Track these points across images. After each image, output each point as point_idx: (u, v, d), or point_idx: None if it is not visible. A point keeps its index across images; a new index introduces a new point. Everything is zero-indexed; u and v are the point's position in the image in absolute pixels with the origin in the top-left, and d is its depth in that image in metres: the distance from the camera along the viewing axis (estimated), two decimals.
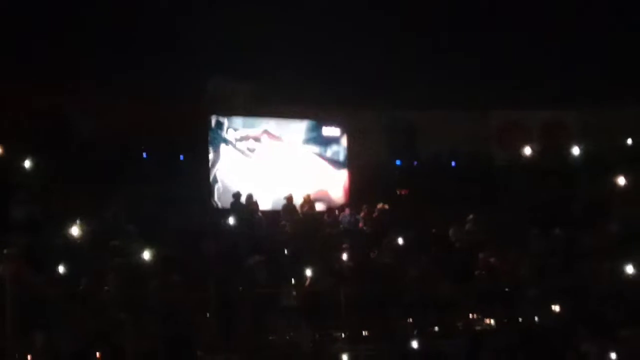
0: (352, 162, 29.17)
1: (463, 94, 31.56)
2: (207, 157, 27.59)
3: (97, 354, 20.24)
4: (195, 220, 25.39)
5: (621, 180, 29.13)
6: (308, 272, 23.89)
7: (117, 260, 22.52)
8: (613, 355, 22.86)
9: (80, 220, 23.10)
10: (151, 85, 27.73)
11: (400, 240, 26.07)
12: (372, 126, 30.34)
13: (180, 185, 26.22)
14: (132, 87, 27.50)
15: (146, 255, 22.88)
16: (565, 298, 24.69)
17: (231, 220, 25.44)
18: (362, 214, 27.48)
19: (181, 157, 27.84)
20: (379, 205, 27.46)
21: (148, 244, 23.54)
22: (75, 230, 22.73)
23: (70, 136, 27.02)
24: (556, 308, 24.50)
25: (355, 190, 28.89)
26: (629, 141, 31.12)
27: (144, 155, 27.81)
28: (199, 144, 27.53)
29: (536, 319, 24.40)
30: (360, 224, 27.25)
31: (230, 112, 28.29)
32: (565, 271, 25.73)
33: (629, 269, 25.53)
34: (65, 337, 20.23)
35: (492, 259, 25.78)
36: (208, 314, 22.59)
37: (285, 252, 25.04)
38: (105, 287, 21.68)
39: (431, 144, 30.91)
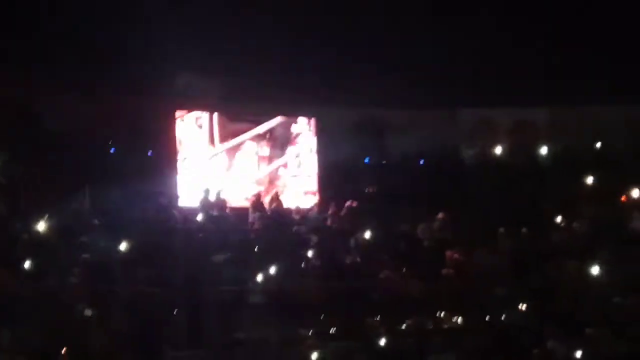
0: (320, 159, 29.03)
1: (432, 93, 31.55)
2: (176, 153, 27.36)
3: (63, 350, 20.01)
4: (163, 216, 25.18)
5: (590, 180, 29.31)
6: (276, 270, 23.76)
7: (84, 256, 22.30)
8: (580, 353, 22.94)
9: (47, 215, 22.88)
10: (119, 80, 27.47)
11: (368, 238, 26.03)
12: (341, 124, 30.22)
13: (148, 181, 26.01)
14: (100, 82, 27.22)
15: (113, 251, 22.73)
16: (534, 297, 24.78)
17: (199, 217, 25.24)
18: (330, 212, 27.37)
19: (149, 152, 27.59)
20: (348, 203, 27.37)
21: (115, 239, 23.39)
22: (41, 226, 22.50)
23: (37, 130, 26.71)
24: (524, 307, 24.52)
25: (323, 187, 28.78)
26: (598, 142, 31.25)
27: (112, 150, 27.55)
28: (168, 139, 27.31)
29: (504, 317, 24.38)
30: (329, 222, 27.11)
31: (198, 107, 28.08)
32: (533, 270, 25.82)
33: (597, 269, 25.69)
34: (31, 333, 20.01)
35: (460, 258, 25.79)
36: (175, 311, 22.41)
37: (253, 249, 24.84)
38: (72, 283, 21.42)
39: (400, 142, 30.87)
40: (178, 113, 27.75)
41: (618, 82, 30.62)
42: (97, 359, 18.53)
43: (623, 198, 29.27)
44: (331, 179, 28.93)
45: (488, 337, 23.76)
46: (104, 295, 21.34)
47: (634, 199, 29.04)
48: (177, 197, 26.98)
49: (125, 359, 20.41)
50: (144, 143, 27.52)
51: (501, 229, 26.93)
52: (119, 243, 23.04)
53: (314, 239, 25.89)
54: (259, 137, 28.72)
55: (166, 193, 26.54)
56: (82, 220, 23.87)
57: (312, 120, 29.35)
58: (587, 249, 26.70)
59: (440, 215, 27.10)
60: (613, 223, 28.37)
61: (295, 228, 26.63)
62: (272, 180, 28.57)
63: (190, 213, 25.79)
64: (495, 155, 31.15)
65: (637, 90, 31.27)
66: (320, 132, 29.30)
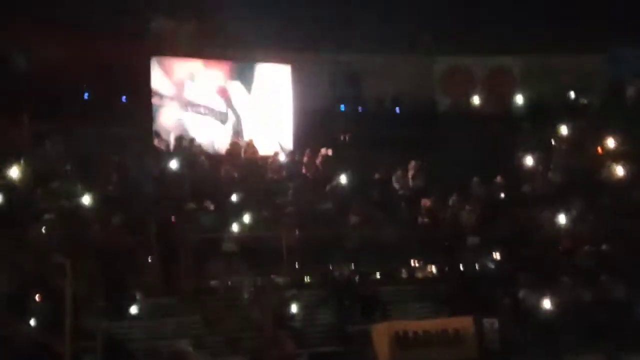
0: (296, 106, 28.93)
1: (408, 40, 31.48)
2: (150, 99, 27.19)
3: (37, 296, 20.02)
4: (137, 162, 25.09)
5: (563, 129, 29.39)
6: (250, 217, 23.76)
7: (57, 202, 22.23)
8: (550, 301, 23.15)
9: (20, 160, 22.77)
10: (94, 25, 27.21)
11: (343, 186, 26.05)
12: (317, 71, 30.09)
13: (122, 127, 25.88)
14: (74, 27, 26.93)
15: (87, 197, 22.67)
16: (506, 246, 24.93)
17: (174, 164, 25.17)
18: (305, 159, 27.34)
19: (123, 98, 27.41)
20: (323, 151, 27.35)
21: (89, 186, 23.33)
22: (14, 171, 22.39)
23: (10, 74, 26.46)
24: (497, 255, 24.67)
25: (298, 135, 28.72)
26: (572, 91, 31.31)
27: (85, 95, 27.36)
28: (142, 85, 27.13)
29: (477, 266, 24.52)
30: (303, 169, 27.09)
31: (173, 53, 27.87)
32: (506, 219, 25.97)
33: (568, 217, 25.86)
34: (4, 279, 19.99)
35: (434, 206, 25.87)
36: (149, 258, 22.42)
37: (228, 196, 24.80)
38: (45, 229, 21.36)
39: (376, 90, 30.82)
40: (153, 58, 27.47)
41: (593, 31, 30.68)
42: (71, 305, 18.49)
43: (599, 149, 29.41)
44: (306, 126, 28.82)
45: (461, 286, 23.89)
46: (77, 242, 21.25)
47: (608, 149, 29.17)
48: (151, 143, 26.81)
49: (98, 306, 20.37)
50: (119, 88, 27.32)
51: (475, 178, 27.01)
52: (93, 189, 22.98)
53: (289, 186, 25.87)
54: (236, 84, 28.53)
55: (140, 138, 26.36)
56: (55, 166, 23.69)
57: (288, 67, 29.12)
58: (560, 197, 26.85)
59: (413, 163, 27.10)
60: (586, 172, 28.57)
61: (269, 175, 26.56)
62: (248, 127, 28.44)
63: (165, 159, 25.63)
64: (470, 103, 31.18)
65: (612, 40, 31.41)
66: (296, 80, 29.09)
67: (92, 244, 21.64)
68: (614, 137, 29.26)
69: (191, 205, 23.53)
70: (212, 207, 23.97)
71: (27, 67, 26.92)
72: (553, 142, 29.33)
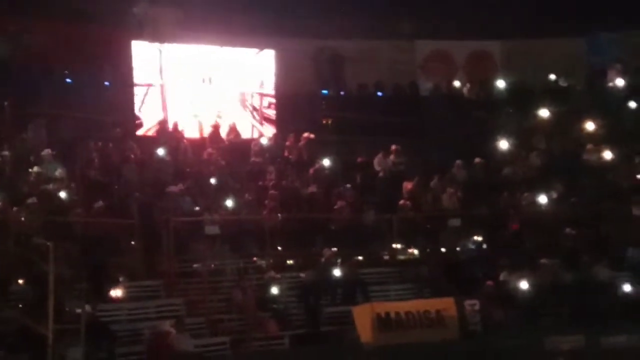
0: (279, 90, 28.95)
1: (390, 25, 31.54)
2: (132, 84, 27.17)
3: (20, 281, 20.04)
4: (119, 146, 25.11)
5: (544, 112, 29.51)
6: (233, 200, 23.82)
7: (40, 186, 22.24)
8: (531, 283, 23.29)
9: (2, 145, 22.77)
10: (76, 10, 27.18)
11: (325, 169, 26.12)
12: (300, 55, 30.13)
13: (104, 112, 25.90)
14: (57, 12, 26.91)
15: (69, 181, 22.68)
16: (487, 228, 25.05)
17: (156, 148, 25.18)
18: (288, 143, 27.40)
19: (106, 83, 27.40)
20: (305, 134, 27.41)
21: (71, 170, 23.36)
22: None
23: None
24: (478, 238, 24.79)
25: (281, 118, 28.76)
26: (553, 75, 31.42)
27: (68, 80, 27.34)
28: (125, 70, 27.10)
29: (458, 248, 24.64)
30: (286, 153, 27.16)
31: (157, 38, 27.84)
32: (487, 201, 26.09)
33: (549, 199, 25.99)
34: None
35: (416, 189, 25.96)
36: (132, 241, 22.46)
37: (210, 180, 24.86)
38: (27, 213, 21.37)
39: (358, 74, 30.88)
40: (135, 42, 27.44)
41: (574, 15, 30.82)
42: (53, 288, 18.51)
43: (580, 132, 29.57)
44: (289, 110, 28.85)
45: (442, 268, 23.99)
46: (59, 225, 21.27)
47: (587, 132, 29.32)
48: (133, 128, 26.81)
49: (81, 289, 20.38)
50: (101, 73, 27.29)
51: (458, 161, 27.12)
52: (74, 173, 22.99)
53: (272, 170, 25.92)
54: (218, 68, 28.53)
55: (122, 123, 26.36)
56: (38, 150, 23.69)
57: (271, 52, 29.12)
58: (541, 180, 26.98)
59: (394, 147, 27.20)
60: (567, 155, 28.71)
61: (252, 159, 26.61)
62: (230, 111, 28.43)
63: (148, 144, 25.66)
64: (451, 87, 31.27)
65: (593, 24, 31.53)
66: (279, 64, 29.09)
67: (74, 228, 21.66)
68: (594, 120, 29.42)
69: (173, 189, 23.54)
70: (194, 190, 23.97)
71: (9, 53, 26.91)
72: (534, 126, 29.45)
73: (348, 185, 25.71)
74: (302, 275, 23.13)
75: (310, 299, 22.61)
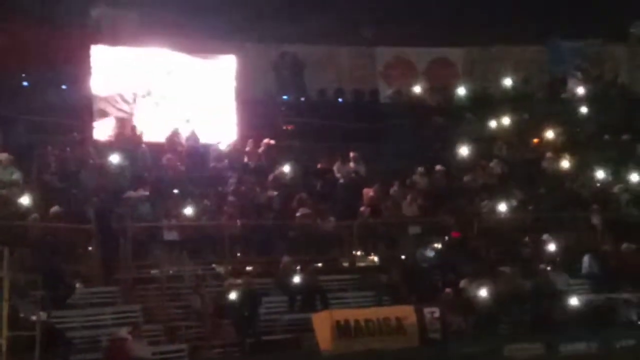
0: (239, 96, 28.79)
1: (351, 31, 31.53)
2: (90, 87, 26.90)
3: None
4: (76, 151, 24.83)
5: (504, 120, 29.61)
6: (192, 206, 23.65)
7: None
8: (490, 291, 23.31)
9: None
10: (34, 12, 26.89)
11: (285, 176, 26.01)
12: (260, 60, 30.01)
13: (62, 116, 25.62)
14: (14, 14, 26.59)
15: (25, 185, 22.40)
16: (447, 235, 25.04)
17: (114, 153, 24.93)
18: (247, 149, 27.24)
19: (63, 86, 27.10)
20: (265, 140, 27.28)
21: (27, 174, 23.07)
22: None
23: None
24: (438, 245, 24.77)
25: (242, 124, 28.59)
26: (509, 80, 31.52)
27: (25, 83, 27.03)
28: (82, 73, 26.84)
29: (418, 255, 24.60)
30: (246, 159, 27.00)
31: (116, 41, 27.60)
32: (447, 208, 26.09)
33: (508, 207, 26.05)
34: None
35: (376, 196, 25.91)
36: (89, 247, 22.22)
37: (169, 185, 24.64)
38: None
39: (319, 80, 30.80)
40: (94, 46, 27.18)
41: (535, 24, 31.00)
42: (8, 294, 18.23)
43: (536, 140, 29.68)
44: (249, 116, 28.70)
45: (402, 275, 23.94)
46: (15, 231, 21.00)
47: (546, 140, 29.45)
48: (91, 132, 26.53)
49: (37, 295, 20.10)
50: (59, 76, 27.01)
51: (420, 168, 27.09)
52: (31, 178, 22.71)
53: (231, 175, 25.76)
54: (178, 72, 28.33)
55: (80, 127, 26.08)
56: None
57: (232, 57, 28.95)
58: (500, 188, 27.04)
59: (352, 153, 27.12)
60: (527, 163, 28.84)
61: (212, 165, 26.43)
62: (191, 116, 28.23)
63: (105, 148, 25.40)
64: (412, 93, 31.28)
65: (553, 32, 31.74)
66: (240, 69, 28.93)
67: (30, 233, 21.38)
68: (554, 128, 29.57)
69: (131, 194, 23.32)
70: (153, 195, 23.77)
71: None
72: (494, 133, 29.53)
73: (308, 192, 25.60)
74: (262, 281, 23.03)
75: (270, 305, 22.47)
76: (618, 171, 28.51)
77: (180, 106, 28.12)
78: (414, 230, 25.05)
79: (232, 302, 21.51)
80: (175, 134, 27.06)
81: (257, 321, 21.69)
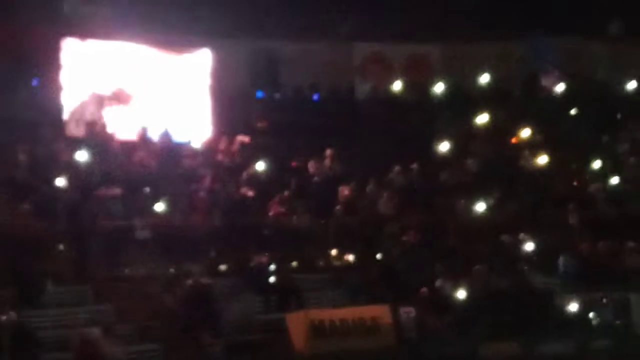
0: (213, 92, 28.52)
1: (327, 26, 31.31)
2: (61, 82, 26.54)
3: None
4: (46, 148, 24.51)
5: (482, 118, 29.50)
6: (164, 205, 23.37)
7: None
8: (466, 290, 23.22)
9: None
10: (3, 5, 26.49)
11: (260, 173, 25.78)
12: (234, 56, 29.74)
13: (31, 111, 25.26)
14: None
15: None
16: (423, 234, 24.92)
17: (84, 150, 24.60)
18: (221, 146, 26.98)
19: (33, 81, 26.73)
20: (239, 137, 27.03)
21: None
22: None
23: None
24: (414, 244, 24.64)
25: (216, 121, 28.33)
26: (486, 77, 31.39)
27: None
28: (52, 68, 26.47)
29: (394, 254, 24.43)
30: (219, 156, 26.74)
31: (86, 35, 27.24)
32: (423, 207, 26.00)
33: (484, 206, 25.99)
34: None
35: (351, 194, 25.75)
36: (59, 245, 21.96)
37: (142, 183, 24.35)
38: None
39: (294, 77, 30.54)
40: (65, 40, 26.83)
41: (513, 20, 30.92)
42: None
43: (514, 139, 29.62)
44: (223, 112, 28.45)
45: (378, 275, 23.82)
46: None
47: (523, 138, 29.39)
48: (62, 128, 26.17)
49: (5, 294, 19.88)
50: (29, 71, 26.63)
51: (397, 166, 26.95)
52: (1, 174, 22.45)
53: (205, 173, 25.51)
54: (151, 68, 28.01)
55: (51, 124, 25.74)
56: None
57: (207, 52, 28.66)
58: (477, 186, 26.96)
59: (328, 151, 26.92)
60: (504, 161, 28.77)
61: (185, 162, 26.15)
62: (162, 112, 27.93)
63: (76, 145, 25.05)
64: (388, 90, 31.11)
65: (531, 29, 31.65)
66: (214, 65, 28.65)
67: None
68: (531, 126, 29.52)
69: (103, 192, 23.05)
70: (125, 194, 23.51)
71: None
72: (471, 131, 29.42)
73: (282, 190, 25.41)
74: (235, 281, 22.86)
75: (244, 305, 22.28)
76: (595, 169, 28.46)
77: (153, 103, 27.77)
78: (390, 228, 24.94)
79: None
80: (146, 132, 26.71)
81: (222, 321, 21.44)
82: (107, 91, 27.14)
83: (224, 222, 23.85)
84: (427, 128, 29.09)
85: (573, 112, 30.64)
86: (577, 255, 25.46)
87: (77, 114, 26.59)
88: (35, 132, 24.90)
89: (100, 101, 26.96)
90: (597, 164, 28.46)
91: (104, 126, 26.12)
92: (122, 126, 26.94)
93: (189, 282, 21.53)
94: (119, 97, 27.10)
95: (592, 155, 28.88)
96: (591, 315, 24.07)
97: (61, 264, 21.82)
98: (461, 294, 23.16)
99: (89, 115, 26.53)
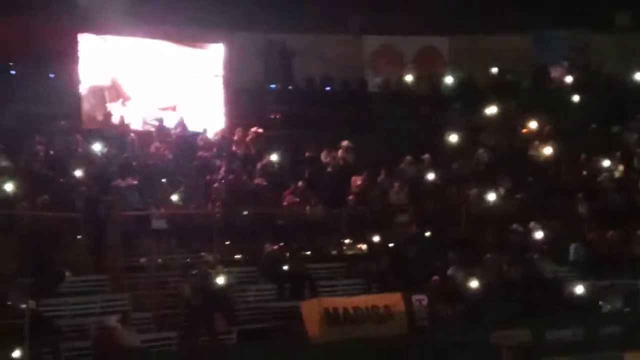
0: (227, 84, 28.75)
1: (338, 19, 31.52)
2: (77, 75, 26.82)
3: None
4: (64, 139, 24.78)
5: (492, 109, 29.67)
6: (180, 195, 23.63)
7: None
8: (478, 279, 23.41)
9: None
10: (22, 1, 26.80)
11: (273, 164, 26.01)
12: (248, 49, 29.99)
13: (49, 104, 25.55)
14: (0, 2, 26.49)
15: (13, 174, 22.37)
16: (435, 223, 25.09)
17: (102, 141, 24.89)
18: (235, 137, 27.22)
19: (50, 75, 27.01)
20: (253, 129, 27.25)
21: (15, 163, 23.03)
22: None
23: None
24: (426, 233, 24.80)
25: (230, 113, 28.56)
26: (500, 71, 31.59)
27: (12, 72, 26.95)
28: (69, 62, 26.74)
29: (406, 243, 24.62)
30: (234, 147, 26.99)
31: (103, 30, 27.51)
32: (435, 197, 26.16)
33: (496, 195, 26.13)
34: None
35: (364, 184, 25.93)
36: (77, 236, 22.19)
37: (158, 173, 24.61)
38: None
39: (306, 69, 30.79)
40: (81, 34, 27.10)
41: (521, 13, 31.04)
42: None
43: (523, 130, 29.77)
44: (237, 104, 28.68)
45: (390, 263, 23.99)
46: (3, 220, 20.98)
47: (533, 129, 29.54)
48: (79, 120, 26.47)
49: (25, 283, 20.10)
50: (46, 64, 26.91)
51: (408, 157, 27.13)
52: (19, 167, 22.68)
53: (219, 164, 25.75)
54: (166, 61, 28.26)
55: (68, 116, 26.02)
56: None
57: (220, 45, 28.90)
58: (488, 176, 27.12)
59: (345, 142, 27.13)
60: (514, 151, 28.94)
61: (200, 153, 26.40)
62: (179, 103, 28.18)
63: (93, 137, 25.33)
64: (399, 82, 31.31)
65: (539, 21, 31.80)
66: (228, 58, 28.88)
67: (18, 221, 21.34)
68: (540, 117, 29.67)
69: (120, 183, 23.30)
70: (141, 184, 23.75)
71: None
72: (482, 122, 29.59)
73: (296, 180, 25.63)
74: (250, 270, 23.12)
75: (258, 293, 22.53)
76: (604, 159, 28.60)
77: (168, 94, 28.04)
78: (401, 218, 25.12)
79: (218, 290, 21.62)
80: (162, 123, 27.01)
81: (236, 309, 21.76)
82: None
83: (239, 211, 24.02)
84: (438, 119, 29.30)
85: (581, 102, 30.71)
86: (586, 244, 25.61)
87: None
88: (53, 124, 25.14)
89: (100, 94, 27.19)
90: (605, 154, 28.51)
91: (121, 118, 26.36)
92: (137, 117, 27.24)
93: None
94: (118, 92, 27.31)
95: (600, 145, 28.98)
96: (600, 302, 24.26)
97: (79, 254, 21.96)
98: (473, 282, 23.30)
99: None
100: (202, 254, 22.93)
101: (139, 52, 27.72)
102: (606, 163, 28.32)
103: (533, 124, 29.55)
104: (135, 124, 27.00)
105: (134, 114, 27.26)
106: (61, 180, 23.37)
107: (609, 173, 28.01)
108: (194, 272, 22.00)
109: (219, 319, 21.38)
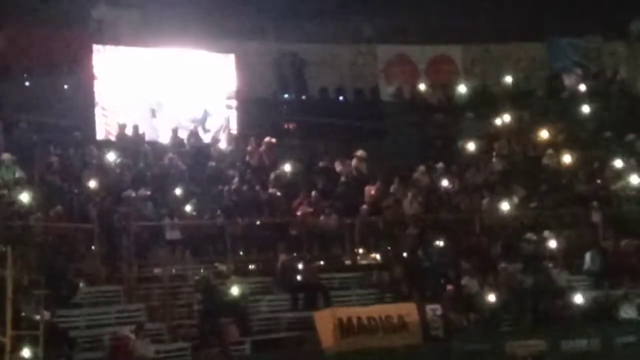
0: (240, 95, 28.81)
1: (351, 29, 31.58)
2: (92, 86, 26.92)
3: None
4: (78, 151, 24.88)
5: (505, 117, 29.65)
6: (194, 205, 23.67)
7: None
8: (492, 288, 23.37)
9: None
10: (35, 12, 26.93)
11: (287, 174, 26.04)
12: (261, 59, 30.05)
13: (64, 116, 25.65)
14: (15, 14, 26.63)
15: (28, 185, 22.45)
16: (449, 233, 25.07)
17: (116, 152, 24.97)
18: (249, 148, 27.26)
19: (65, 86, 27.13)
20: (266, 139, 27.28)
21: (30, 174, 23.12)
22: None
23: None
24: (439, 242, 24.79)
25: (243, 123, 28.62)
26: (509, 78, 31.55)
27: (27, 83, 27.08)
28: (84, 73, 26.86)
29: (420, 253, 24.61)
30: (247, 157, 27.03)
31: (116, 41, 27.62)
32: (449, 206, 26.14)
33: (509, 204, 26.08)
34: None
35: (378, 194, 25.92)
36: (92, 246, 22.26)
37: (172, 184, 24.66)
38: None
39: (320, 79, 30.84)
40: (95, 46, 27.22)
41: (534, 21, 31.04)
42: (12, 294, 18.30)
43: (537, 138, 29.70)
44: (251, 115, 28.74)
45: (404, 273, 23.97)
46: (18, 230, 21.05)
47: (547, 138, 29.49)
48: (93, 132, 26.57)
49: (40, 294, 20.15)
50: (60, 76, 27.04)
51: (421, 166, 27.12)
52: (33, 178, 22.76)
53: (233, 174, 25.79)
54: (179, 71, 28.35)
55: (82, 127, 26.11)
56: None
57: (233, 56, 28.98)
58: (502, 185, 27.08)
59: (359, 152, 27.13)
60: (528, 160, 28.89)
61: (213, 163, 26.45)
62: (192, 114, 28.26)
63: (107, 148, 25.41)
64: (413, 91, 31.33)
65: (553, 29, 31.79)
66: (240, 68, 28.96)
67: (33, 233, 21.42)
68: (554, 125, 29.63)
69: (133, 194, 23.35)
70: (155, 195, 23.81)
71: None
72: (495, 130, 29.57)
73: (309, 190, 25.63)
74: (264, 280, 23.13)
75: (272, 304, 22.56)
76: (618, 167, 28.51)
77: (182, 106, 28.12)
78: (415, 227, 25.09)
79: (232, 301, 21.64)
80: (176, 133, 27.08)
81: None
82: None
83: (252, 222, 24.06)
84: (452, 128, 29.28)
85: (595, 110, 30.64)
86: (600, 252, 25.53)
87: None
88: (67, 135, 25.24)
89: None
90: (619, 163, 28.43)
91: (135, 128, 26.46)
92: (152, 128, 27.34)
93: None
94: None
95: (614, 153, 28.91)
96: (616, 311, 24.17)
97: (93, 265, 22.01)
98: (487, 292, 23.25)
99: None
100: (216, 264, 22.95)
101: (152, 63, 27.79)
102: (620, 171, 28.20)
103: (547, 132, 29.46)
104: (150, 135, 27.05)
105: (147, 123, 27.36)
106: (75, 191, 23.48)
107: (623, 182, 27.90)
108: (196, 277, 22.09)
109: (233, 329, 21.38)
